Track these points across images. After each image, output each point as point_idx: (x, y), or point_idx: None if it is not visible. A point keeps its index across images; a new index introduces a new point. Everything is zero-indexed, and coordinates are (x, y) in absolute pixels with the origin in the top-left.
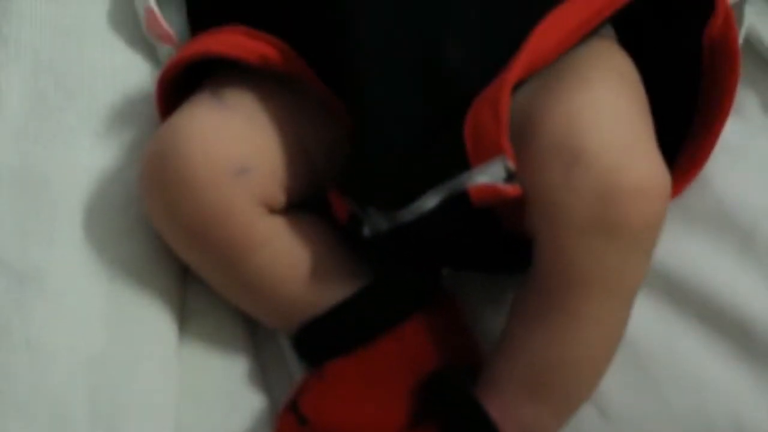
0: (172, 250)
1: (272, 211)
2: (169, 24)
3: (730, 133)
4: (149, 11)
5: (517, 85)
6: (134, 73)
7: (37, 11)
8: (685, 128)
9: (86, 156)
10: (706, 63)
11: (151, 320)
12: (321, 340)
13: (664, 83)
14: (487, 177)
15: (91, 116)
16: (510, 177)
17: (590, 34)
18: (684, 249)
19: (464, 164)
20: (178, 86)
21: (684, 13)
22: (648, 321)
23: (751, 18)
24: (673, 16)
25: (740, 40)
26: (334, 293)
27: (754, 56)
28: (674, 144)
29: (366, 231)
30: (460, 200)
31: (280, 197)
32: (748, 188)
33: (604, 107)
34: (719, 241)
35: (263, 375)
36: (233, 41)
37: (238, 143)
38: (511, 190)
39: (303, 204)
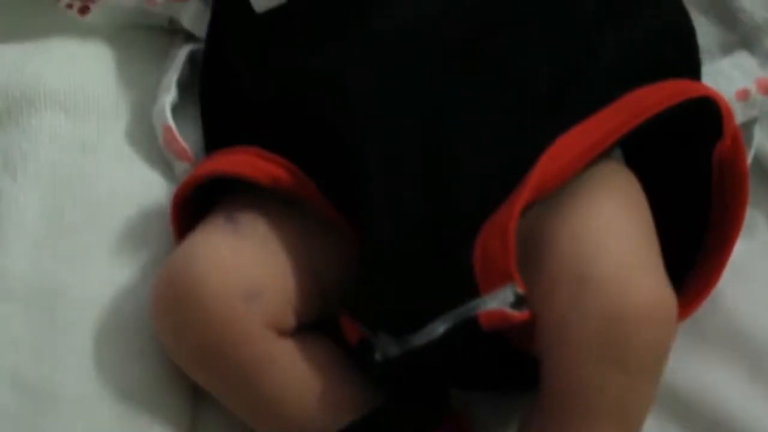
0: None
1: (282, 333)
2: (186, 141)
3: (739, 252)
4: (166, 128)
5: (525, 208)
6: (151, 190)
7: (56, 128)
8: (695, 248)
9: (101, 274)
10: (716, 183)
11: None
12: None
13: (674, 202)
14: (497, 303)
15: (107, 233)
16: (519, 302)
17: (598, 157)
18: (693, 369)
19: (474, 292)
20: (193, 202)
21: (692, 135)
22: None
23: (761, 138)
24: (681, 137)
25: (749, 160)
26: (343, 416)
27: (763, 176)
28: (685, 264)
29: (377, 356)
30: (470, 326)
31: (290, 321)
32: (758, 308)
33: (610, 232)
34: (729, 361)
35: None
36: (246, 162)
37: (250, 267)
38: (520, 315)
39: (313, 325)
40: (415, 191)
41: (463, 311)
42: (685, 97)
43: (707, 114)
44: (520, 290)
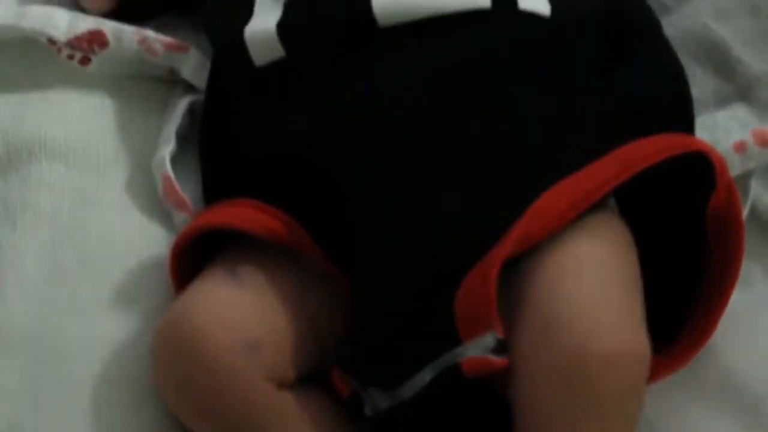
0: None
1: (281, 385)
2: (185, 191)
3: (736, 303)
4: (166, 178)
5: (514, 258)
6: (150, 241)
7: (56, 177)
8: (692, 298)
9: (101, 325)
10: (711, 234)
11: None
12: None
13: (670, 253)
14: (479, 350)
15: (107, 284)
16: (500, 348)
17: (590, 207)
18: (689, 420)
19: (456, 340)
20: (192, 252)
21: (686, 187)
22: None
23: (757, 190)
24: (675, 189)
25: (746, 212)
26: None
27: (760, 227)
28: (681, 313)
29: (367, 410)
30: (453, 373)
31: (289, 373)
32: (754, 359)
33: (583, 277)
34: (724, 412)
35: None
36: (245, 215)
37: (250, 320)
38: (500, 362)
39: (311, 376)
40: (402, 246)
41: (446, 359)
42: (677, 150)
43: (701, 167)
44: (501, 336)
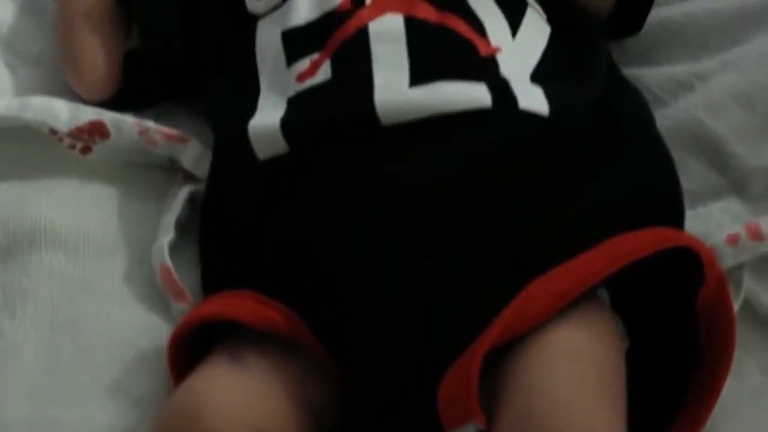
0: None
1: None
2: (184, 279)
3: (729, 394)
4: (165, 268)
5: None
6: (149, 331)
7: (56, 266)
8: (684, 389)
9: (98, 414)
10: (703, 327)
11: None
12: None
13: (662, 345)
14: None
15: (105, 373)
16: None
17: (579, 298)
18: None
19: (439, 428)
20: (190, 343)
21: (676, 280)
22: None
23: (750, 282)
24: (665, 282)
25: (739, 303)
26: None
27: (753, 319)
28: (673, 404)
29: None
30: None
31: None
32: None
33: (562, 371)
34: None
35: None
36: (244, 306)
37: (255, 407)
38: None
39: None
40: (390, 335)
41: None
42: (665, 245)
43: (690, 260)
44: (482, 426)
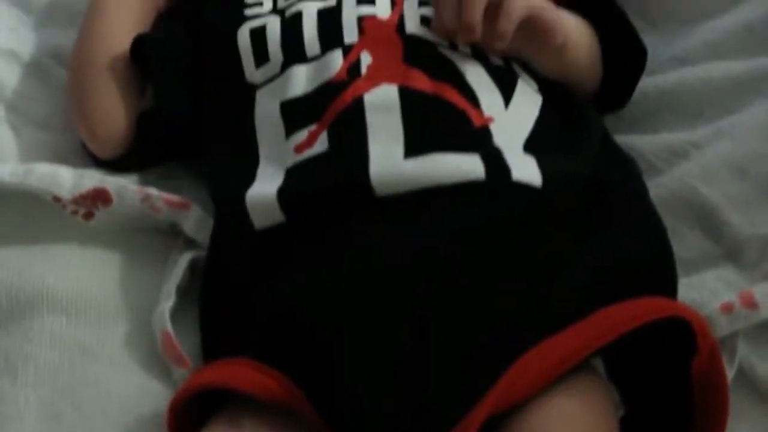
0: None
1: None
2: (184, 344)
3: None
4: (165, 334)
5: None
6: (149, 397)
7: (58, 331)
8: None
9: None
10: (697, 394)
11: None
12: None
13: (656, 412)
14: None
15: None
16: None
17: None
18: None
19: None
20: (189, 409)
21: (669, 349)
22: None
23: (744, 350)
24: (659, 352)
25: (733, 371)
26: None
27: (747, 387)
28: None
29: None
30: None
31: None
32: None
33: None
34: None
35: None
36: (243, 375)
37: None
38: None
39: None
40: (386, 411)
41: None
42: (658, 315)
43: (683, 330)
44: None
